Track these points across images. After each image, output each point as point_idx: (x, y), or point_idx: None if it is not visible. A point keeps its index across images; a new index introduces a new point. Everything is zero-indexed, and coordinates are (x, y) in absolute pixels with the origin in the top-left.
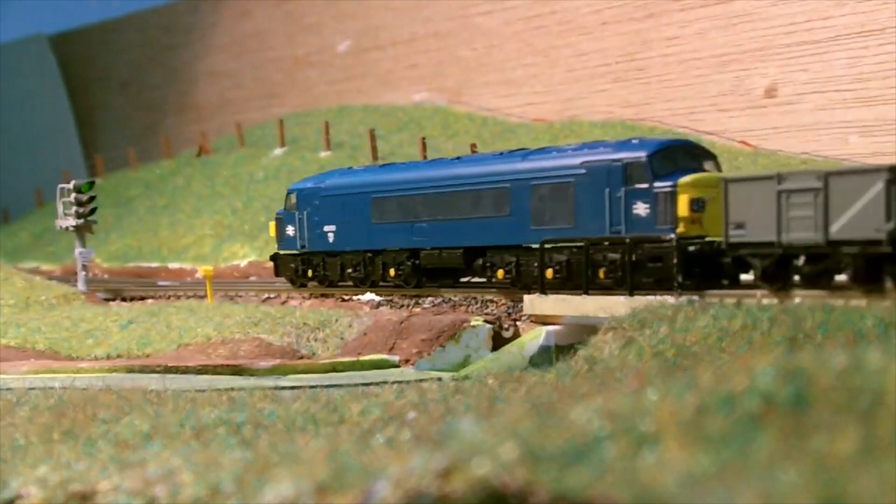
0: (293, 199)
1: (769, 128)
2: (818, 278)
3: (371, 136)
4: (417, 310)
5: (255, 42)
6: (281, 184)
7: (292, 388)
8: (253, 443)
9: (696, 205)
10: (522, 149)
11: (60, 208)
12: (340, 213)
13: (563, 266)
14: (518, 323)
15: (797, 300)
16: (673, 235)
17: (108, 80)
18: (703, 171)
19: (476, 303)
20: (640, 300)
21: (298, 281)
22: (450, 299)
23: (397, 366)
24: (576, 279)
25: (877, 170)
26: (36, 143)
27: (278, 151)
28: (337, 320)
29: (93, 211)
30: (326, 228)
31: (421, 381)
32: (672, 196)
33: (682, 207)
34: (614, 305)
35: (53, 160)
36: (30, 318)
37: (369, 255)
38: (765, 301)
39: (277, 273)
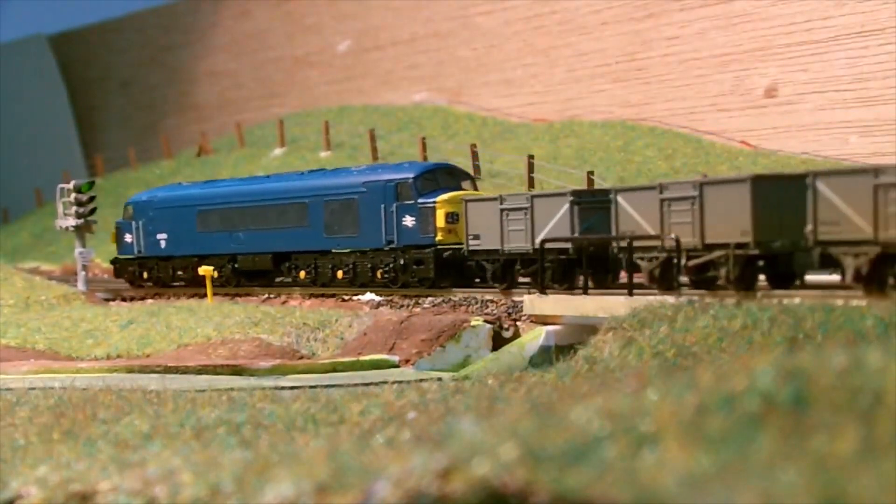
0: (130, 210)
1: (769, 128)
2: (535, 277)
3: (371, 136)
4: (417, 310)
5: (255, 42)
6: None
7: (292, 388)
8: (253, 443)
9: (451, 218)
10: (321, 169)
11: (60, 208)
12: (171, 223)
13: (351, 268)
14: (518, 323)
15: (799, 300)
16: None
17: (108, 80)
18: (461, 189)
19: (476, 303)
20: (640, 300)
21: (137, 282)
22: (450, 299)
23: (397, 366)
24: (360, 279)
25: (564, 193)
26: (36, 143)
27: (278, 151)
28: (337, 320)
29: (93, 211)
30: (159, 236)
31: (421, 381)
32: (432, 210)
33: (440, 220)
34: (614, 305)
35: (53, 160)
36: (30, 318)
37: (195, 259)
38: (765, 302)
39: (117, 275)
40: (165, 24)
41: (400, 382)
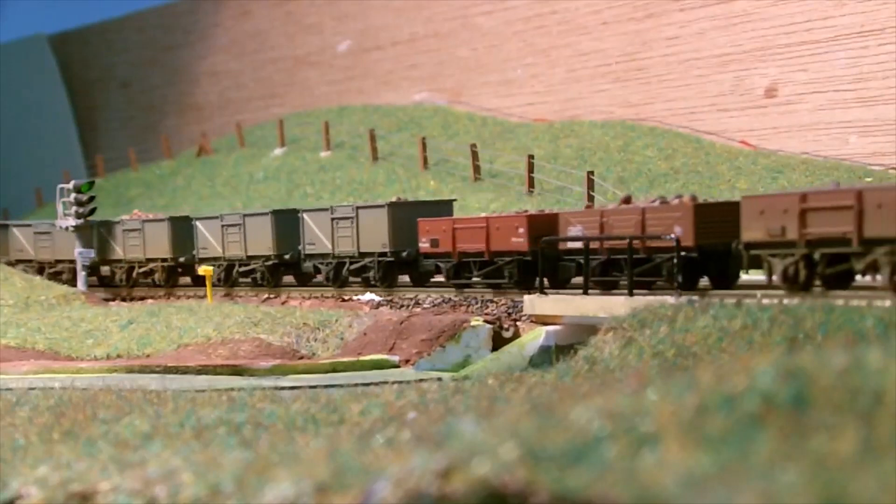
0: None
1: (769, 128)
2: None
3: (371, 136)
4: (417, 310)
5: (255, 42)
6: (281, 184)
7: (292, 388)
8: (253, 443)
9: None
10: None
11: (60, 208)
12: None
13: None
14: (518, 323)
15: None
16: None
17: (108, 80)
18: None
19: (476, 303)
20: (640, 300)
21: None
22: (450, 299)
23: (397, 366)
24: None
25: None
26: (36, 143)
27: (278, 151)
28: (337, 320)
29: (93, 211)
30: None
31: (421, 381)
32: None
33: None
34: (614, 305)
35: (53, 160)
36: (30, 318)
37: None
38: (765, 301)
39: None
40: (165, 24)
41: (400, 382)
